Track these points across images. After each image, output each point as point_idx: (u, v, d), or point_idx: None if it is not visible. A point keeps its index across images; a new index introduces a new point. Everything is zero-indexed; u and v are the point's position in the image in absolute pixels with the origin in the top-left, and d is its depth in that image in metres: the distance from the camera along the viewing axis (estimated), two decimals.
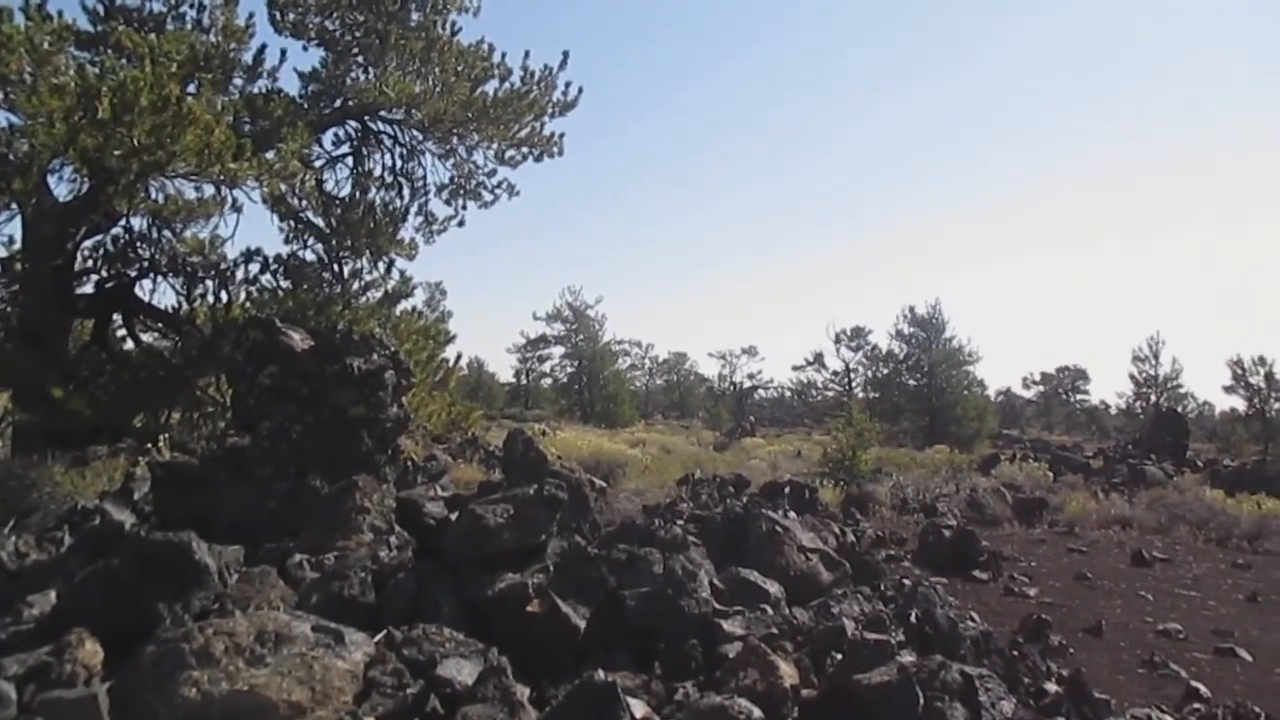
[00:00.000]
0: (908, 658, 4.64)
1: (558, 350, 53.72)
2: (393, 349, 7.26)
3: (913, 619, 5.83)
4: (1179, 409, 38.03)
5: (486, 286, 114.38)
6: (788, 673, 4.50)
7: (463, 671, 3.93)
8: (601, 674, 3.86)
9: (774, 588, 6.25)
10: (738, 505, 8.25)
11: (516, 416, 41.34)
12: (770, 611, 5.77)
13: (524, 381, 59.09)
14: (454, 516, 5.82)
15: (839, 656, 4.88)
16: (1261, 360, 42.32)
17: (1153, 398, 45.15)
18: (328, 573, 5.03)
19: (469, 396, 32.25)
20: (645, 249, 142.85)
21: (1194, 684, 5.85)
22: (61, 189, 10.98)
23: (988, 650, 5.74)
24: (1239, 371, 42.95)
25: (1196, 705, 5.38)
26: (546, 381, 57.56)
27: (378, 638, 4.27)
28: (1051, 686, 5.21)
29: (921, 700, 4.08)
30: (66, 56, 9.66)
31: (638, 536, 6.30)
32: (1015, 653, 5.76)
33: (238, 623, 3.86)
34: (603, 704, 3.73)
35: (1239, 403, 44.12)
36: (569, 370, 52.58)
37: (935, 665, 4.36)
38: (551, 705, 3.97)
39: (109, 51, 10.67)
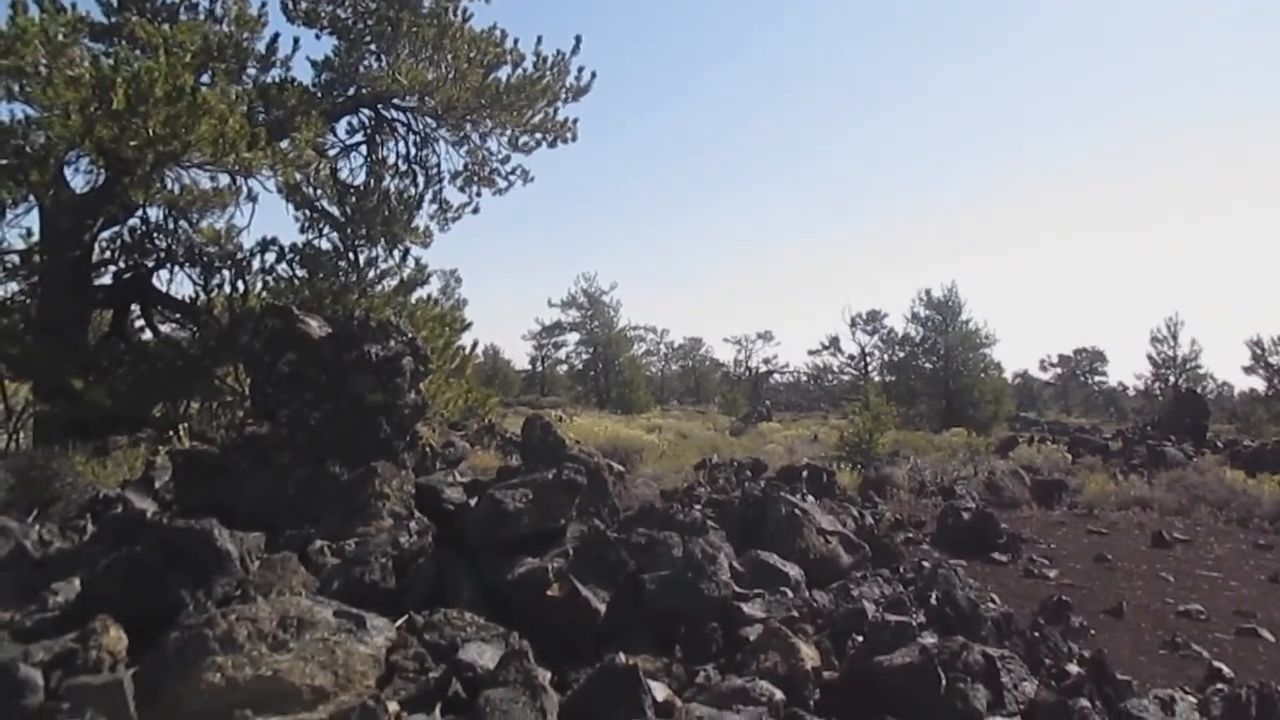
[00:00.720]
0: (929, 639, 4.64)
1: (573, 337, 53.94)
2: (410, 335, 7.27)
3: (933, 601, 5.82)
4: (1198, 390, 37.71)
5: (501, 274, 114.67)
6: (809, 655, 4.50)
7: (484, 655, 3.94)
8: (623, 657, 3.86)
9: (793, 570, 6.24)
10: (756, 489, 8.24)
11: (533, 403, 41.42)
12: (790, 594, 5.76)
13: (540, 368, 59.20)
14: (473, 502, 5.83)
15: (860, 639, 4.88)
16: None
17: (1171, 379, 44.90)
18: (348, 558, 5.05)
19: (485, 384, 32.32)
20: (660, 234, 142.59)
21: (1216, 664, 5.84)
22: (78, 180, 11.07)
23: (1009, 632, 5.72)
24: (1259, 351, 42.72)
25: (1219, 685, 5.35)
26: (562, 368, 57.69)
27: (399, 622, 4.29)
28: (1073, 668, 5.18)
29: (944, 681, 4.07)
30: (81, 48, 9.70)
31: (657, 520, 6.29)
32: (1036, 634, 5.75)
33: (260, 608, 3.88)
34: (624, 687, 3.73)
35: (1259, 383, 43.95)
36: (584, 357, 52.74)
37: (957, 646, 4.35)
38: (573, 688, 3.98)
39: (123, 42, 10.71)
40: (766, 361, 64.50)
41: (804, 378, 57.53)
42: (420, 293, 13.65)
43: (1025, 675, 4.65)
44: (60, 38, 9.10)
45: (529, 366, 59.69)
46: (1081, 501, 13.15)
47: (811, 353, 51.98)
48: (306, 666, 3.60)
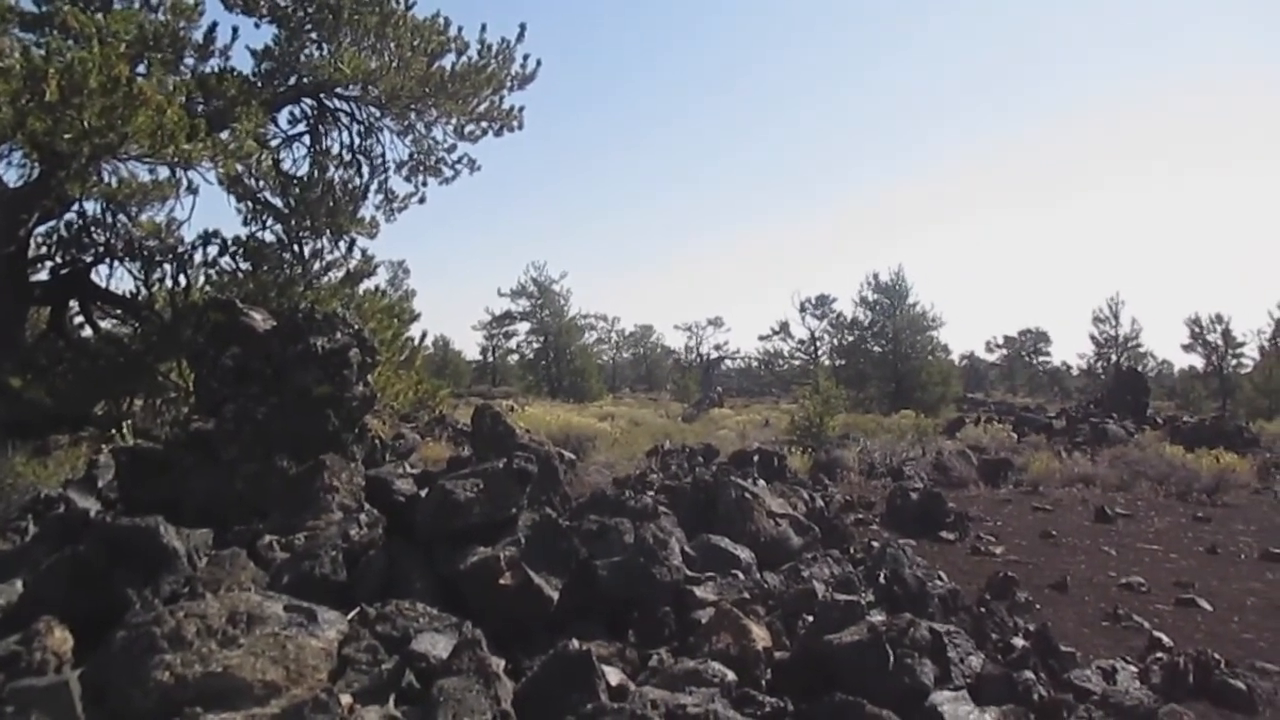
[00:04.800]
0: (877, 617, 4.72)
1: (524, 326, 53.65)
2: (356, 327, 7.19)
3: (882, 580, 5.91)
4: (1139, 368, 38.61)
5: (451, 264, 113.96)
6: (760, 635, 4.56)
7: (437, 645, 3.94)
8: (576, 643, 3.89)
9: (745, 553, 6.31)
10: (707, 474, 8.30)
11: (484, 394, 41.16)
12: (742, 577, 5.83)
13: (491, 359, 58.95)
14: (424, 493, 5.81)
15: (810, 618, 4.94)
16: (1219, 318, 43.25)
17: (1113, 357, 45.93)
18: (298, 553, 5.01)
19: (436, 375, 32.07)
20: (609, 222, 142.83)
21: (1156, 634, 5.98)
22: (11, 174, 10.75)
23: (956, 608, 5.84)
24: (1197, 330, 43.86)
25: (1159, 655, 5.49)
26: (513, 358, 57.40)
27: (351, 615, 4.26)
28: (1019, 641, 5.31)
29: (892, 658, 4.15)
30: (11, 38, 9.43)
31: (608, 507, 6.32)
32: (983, 610, 5.86)
33: (209, 605, 3.84)
34: (578, 672, 3.76)
35: (1197, 360, 45.16)
36: (535, 346, 52.47)
37: (904, 624, 4.43)
38: (527, 675, 3.99)
39: (55, 32, 10.40)
40: (717, 348, 64.99)
41: (755, 363, 57.93)
42: (367, 284, 13.51)
43: (972, 650, 4.75)
44: None
45: (480, 357, 59.47)
46: (1027, 479, 13.41)
47: (762, 338, 52.49)
48: (257, 662, 3.57)
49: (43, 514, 6.28)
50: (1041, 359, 68.96)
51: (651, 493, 8.26)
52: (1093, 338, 48.16)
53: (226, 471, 6.12)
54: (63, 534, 5.33)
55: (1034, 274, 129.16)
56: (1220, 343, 43.65)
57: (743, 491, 7.44)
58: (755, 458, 12.65)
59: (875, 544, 7.71)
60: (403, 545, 5.19)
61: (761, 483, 8.74)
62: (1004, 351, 71.14)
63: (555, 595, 4.83)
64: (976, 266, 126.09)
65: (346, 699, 3.54)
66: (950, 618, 5.57)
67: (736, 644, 4.44)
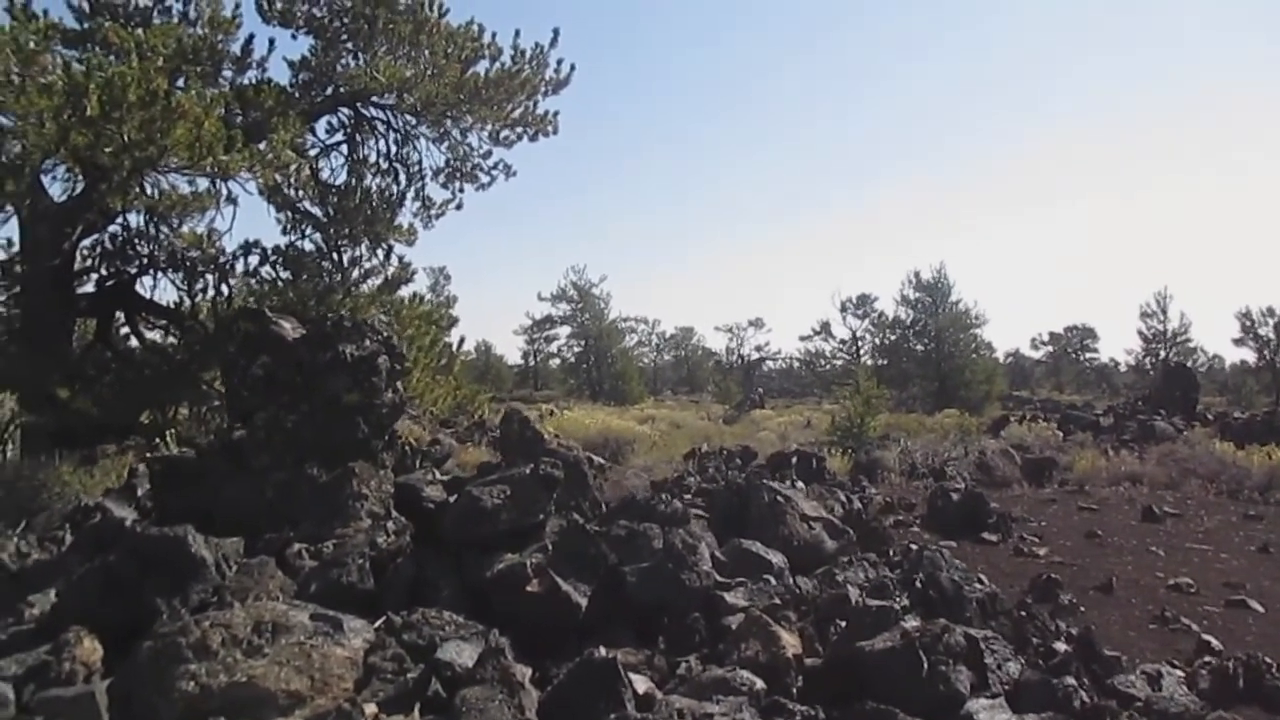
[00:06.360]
0: (911, 623, 4.62)
1: (564, 330, 53.85)
2: (385, 334, 7.22)
3: (917, 584, 5.81)
4: (1188, 363, 37.89)
5: (495, 270, 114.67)
6: (790, 642, 4.49)
7: (463, 654, 3.93)
8: (602, 651, 3.85)
9: (777, 558, 6.21)
10: (739, 477, 8.23)
11: (526, 398, 41.38)
12: (773, 582, 5.74)
13: (532, 363, 59.25)
14: (453, 499, 5.81)
15: (843, 624, 4.86)
16: (1270, 311, 42.30)
17: (1162, 353, 45.09)
18: (326, 561, 5.03)
19: (478, 380, 32.39)
20: (649, 224, 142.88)
21: (1205, 637, 5.81)
22: (56, 189, 11.01)
23: (994, 612, 5.71)
24: (1248, 324, 42.92)
25: (1208, 658, 5.33)
26: (555, 362, 57.61)
27: (377, 624, 4.26)
28: (1060, 646, 5.17)
29: (925, 665, 4.06)
30: (53, 55, 9.62)
31: (638, 512, 6.27)
32: (1023, 613, 5.73)
33: (235, 614, 3.86)
34: (604, 680, 3.73)
35: (1249, 355, 44.20)
36: (576, 350, 52.60)
37: (939, 629, 4.34)
38: (553, 684, 3.96)
39: (95, 48, 10.62)
40: (758, 349, 64.54)
41: (796, 364, 57.64)
42: (406, 291, 13.68)
43: (1010, 655, 4.65)
44: (32, 45, 9.01)
45: (521, 361, 59.79)
46: (1072, 478, 13.15)
47: (803, 339, 52.16)
48: (282, 671, 3.58)
49: (80, 524, 6.37)
50: (1089, 355, 67.97)
51: (687, 496, 8.21)
52: (1141, 333, 47.36)
53: (257, 480, 6.16)
54: (97, 544, 5.40)
55: (1081, 270, 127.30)
56: (1272, 336, 42.65)
57: (775, 495, 7.35)
58: (794, 459, 12.52)
59: (914, 547, 7.59)
60: (430, 553, 5.19)
61: (799, 485, 8.66)
62: (1050, 348, 70.19)
63: (583, 602, 4.80)
64: (1021, 263, 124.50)
65: (371, 709, 3.53)
66: (989, 622, 5.46)
67: (766, 651, 4.37)
